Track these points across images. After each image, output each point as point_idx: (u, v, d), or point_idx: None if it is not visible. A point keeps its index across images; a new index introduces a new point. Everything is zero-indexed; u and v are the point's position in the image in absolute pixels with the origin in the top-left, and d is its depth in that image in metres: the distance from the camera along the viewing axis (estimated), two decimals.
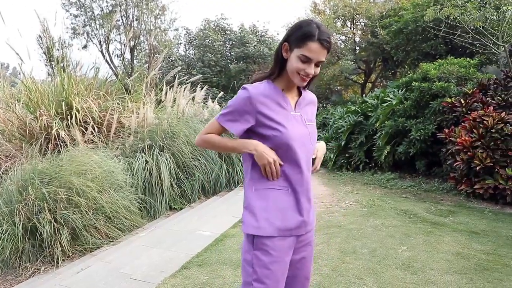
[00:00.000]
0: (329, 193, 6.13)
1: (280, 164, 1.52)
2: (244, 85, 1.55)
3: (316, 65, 1.50)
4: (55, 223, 3.70)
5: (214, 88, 13.64)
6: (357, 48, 15.68)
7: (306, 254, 1.65)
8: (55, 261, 3.56)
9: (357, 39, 15.78)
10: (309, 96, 1.71)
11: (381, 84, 16.53)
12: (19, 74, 6.58)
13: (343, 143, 8.51)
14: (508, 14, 6.75)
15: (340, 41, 15.94)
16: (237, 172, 6.58)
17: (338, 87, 18.22)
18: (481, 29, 7.08)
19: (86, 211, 3.91)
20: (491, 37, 7.13)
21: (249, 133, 1.55)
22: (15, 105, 5.63)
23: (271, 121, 1.51)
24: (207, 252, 3.65)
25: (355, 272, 3.07)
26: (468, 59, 7.80)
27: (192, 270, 3.25)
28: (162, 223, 4.83)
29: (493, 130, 5.21)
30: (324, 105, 15.90)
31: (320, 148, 1.71)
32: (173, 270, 3.27)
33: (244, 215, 1.57)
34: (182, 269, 3.29)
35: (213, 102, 8.62)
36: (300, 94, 1.67)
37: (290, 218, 1.53)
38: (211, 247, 3.79)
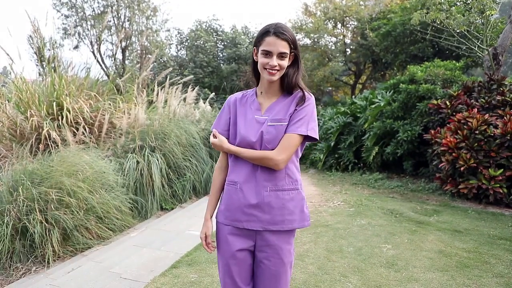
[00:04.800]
0: (318, 193, 6.23)
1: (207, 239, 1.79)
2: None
3: (280, 57, 1.59)
4: (46, 224, 3.71)
5: (206, 89, 13.67)
6: (348, 49, 15.82)
7: (267, 256, 1.68)
8: (46, 261, 3.57)
9: (348, 41, 15.92)
10: (293, 95, 1.72)
11: (371, 86, 16.72)
12: (10, 73, 6.56)
13: (332, 144, 8.62)
14: (491, 18, 6.92)
15: (331, 43, 16.08)
16: None
17: (329, 88, 18.38)
18: (466, 33, 7.25)
19: (77, 212, 3.93)
20: (475, 41, 7.31)
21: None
22: (5, 105, 5.61)
23: (232, 120, 1.74)
24: (196, 251, 3.71)
25: (341, 270, 3.17)
26: (454, 61, 7.98)
27: (181, 269, 3.31)
28: (153, 223, 4.88)
29: (477, 132, 5.35)
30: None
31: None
32: (162, 269, 3.34)
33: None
34: (171, 268, 3.35)
35: (204, 102, 8.66)
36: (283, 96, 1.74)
37: (235, 210, 1.69)
38: (200, 246, 3.85)
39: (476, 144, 5.33)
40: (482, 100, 5.95)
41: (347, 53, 15.73)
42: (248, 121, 1.69)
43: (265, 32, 1.59)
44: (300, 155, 1.74)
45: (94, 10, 14.12)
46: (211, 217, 1.81)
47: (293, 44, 1.61)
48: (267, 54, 1.58)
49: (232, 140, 1.73)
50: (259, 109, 1.70)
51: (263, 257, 1.67)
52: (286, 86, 1.70)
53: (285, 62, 1.61)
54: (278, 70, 1.60)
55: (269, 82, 1.67)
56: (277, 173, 1.64)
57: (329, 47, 15.82)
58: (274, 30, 1.57)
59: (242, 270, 1.70)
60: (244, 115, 1.71)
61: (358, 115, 8.58)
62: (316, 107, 13.93)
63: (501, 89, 6.02)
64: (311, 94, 1.73)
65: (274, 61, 1.57)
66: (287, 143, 1.61)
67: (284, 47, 1.58)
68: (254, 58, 1.69)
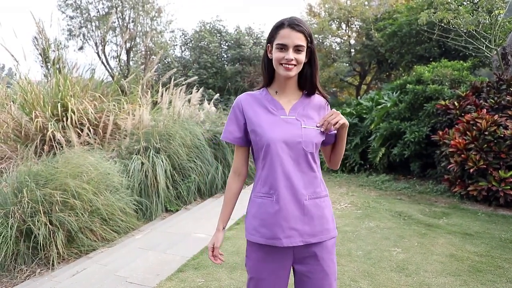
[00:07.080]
0: None
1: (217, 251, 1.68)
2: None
3: (296, 50, 1.48)
4: (50, 226, 3.69)
5: (210, 90, 13.62)
6: (352, 50, 15.74)
7: (310, 269, 1.55)
8: (51, 263, 3.55)
9: (352, 42, 15.84)
10: (317, 99, 1.65)
11: (376, 86, 16.62)
12: (15, 75, 6.55)
13: None
14: (500, 17, 6.83)
15: (335, 44, 16.01)
16: None
17: (334, 89, 18.30)
18: (474, 32, 7.17)
19: (82, 213, 3.91)
20: (483, 41, 7.22)
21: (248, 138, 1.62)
22: (10, 106, 5.60)
23: (251, 124, 1.56)
24: (202, 255, 3.66)
25: (350, 275, 3.10)
26: (461, 61, 7.89)
27: (188, 273, 3.26)
28: (158, 225, 4.83)
29: (486, 133, 5.27)
30: None
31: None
32: (169, 273, 3.28)
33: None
34: (178, 272, 3.30)
35: (209, 104, 8.61)
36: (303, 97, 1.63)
37: (272, 226, 1.51)
38: (206, 249, 3.79)
39: (485, 145, 5.24)
40: (491, 100, 5.86)
41: (352, 53, 15.65)
42: (274, 121, 1.53)
43: (279, 26, 1.50)
44: None
45: (98, 11, 14.12)
46: (224, 228, 1.69)
47: (309, 37, 1.50)
48: (282, 48, 1.47)
49: (254, 145, 1.59)
50: (282, 108, 1.56)
51: (305, 271, 1.54)
52: (307, 87, 1.61)
53: (302, 56, 1.49)
54: (295, 65, 1.49)
55: (285, 79, 1.54)
56: (314, 179, 1.52)
57: (334, 47, 15.74)
58: (288, 22, 1.48)
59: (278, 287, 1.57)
60: (265, 115, 1.55)
61: (364, 116, 8.50)
62: None
63: (511, 89, 5.92)
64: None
65: (290, 54, 1.46)
66: None
67: (300, 39, 1.47)
68: (268, 55, 1.57)
